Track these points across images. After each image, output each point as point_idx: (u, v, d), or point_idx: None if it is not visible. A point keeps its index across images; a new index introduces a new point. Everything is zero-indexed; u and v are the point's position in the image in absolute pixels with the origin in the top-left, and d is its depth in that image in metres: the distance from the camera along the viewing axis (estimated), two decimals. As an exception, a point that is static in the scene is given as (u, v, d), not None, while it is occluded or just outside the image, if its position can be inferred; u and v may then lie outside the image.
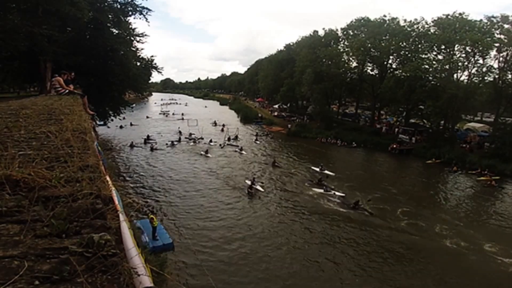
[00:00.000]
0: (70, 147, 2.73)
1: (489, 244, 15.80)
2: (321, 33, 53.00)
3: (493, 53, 35.28)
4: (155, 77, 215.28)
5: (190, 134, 44.11)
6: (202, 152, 33.94)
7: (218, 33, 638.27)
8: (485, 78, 36.28)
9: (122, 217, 1.92)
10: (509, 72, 35.61)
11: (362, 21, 47.74)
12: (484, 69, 35.69)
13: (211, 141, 40.33)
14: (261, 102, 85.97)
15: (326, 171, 27.18)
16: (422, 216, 19.28)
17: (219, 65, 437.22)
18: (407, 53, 41.57)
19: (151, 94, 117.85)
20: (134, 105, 64.32)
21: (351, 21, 49.10)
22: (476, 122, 47.53)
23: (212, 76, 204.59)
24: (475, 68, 36.13)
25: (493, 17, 35.98)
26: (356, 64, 48.43)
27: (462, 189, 26.68)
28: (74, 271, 1.14)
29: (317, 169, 27.76)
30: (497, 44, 34.51)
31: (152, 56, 28.27)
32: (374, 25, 45.12)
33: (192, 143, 39.65)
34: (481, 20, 36.41)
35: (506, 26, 34.95)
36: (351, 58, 48.47)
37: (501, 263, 14.28)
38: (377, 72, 46.85)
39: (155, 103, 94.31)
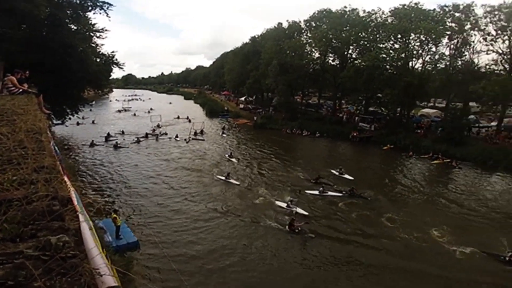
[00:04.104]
0: (24, 149, 2.62)
1: (438, 229, 16.47)
2: (285, 25, 53.69)
3: (445, 41, 37.44)
4: (116, 73, 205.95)
5: (153, 130, 43.02)
6: (169, 155, 33.18)
7: (183, 27, 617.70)
8: (438, 65, 38.79)
9: (81, 217, 1.86)
10: (459, 59, 38.17)
11: (324, 12, 48.83)
12: (437, 57, 38.09)
13: (176, 136, 39.57)
14: (227, 95, 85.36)
15: (345, 175, 25.15)
16: (378, 201, 20.22)
17: (184, 59, 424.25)
18: (366, 43, 43.09)
19: (112, 91, 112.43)
20: (93, 102, 61.07)
21: (314, 13, 50.18)
22: (430, 108, 51.07)
23: (176, 71, 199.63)
24: (429, 56, 38.47)
25: (445, 6, 38.27)
26: (319, 55, 49.64)
27: (417, 173, 28.26)
28: (30, 275, 1.10)
29: (336, 173, 25.89)
30: (448, 32, 36.59)
31: (113, 52, 27.47)
32: (336, 16, 46.33)
33: (155, 139, 38.58)
34: (434, 9, 38.60)
35: (457, 14, 37.04)
36: (313, 49, 49.61)
37: (449, 246, 14.99)
38: (338, 62, 48.27)
39: (117, 99, 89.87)
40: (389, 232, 16.31)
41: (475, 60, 37.14)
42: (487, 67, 35.72)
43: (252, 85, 59.89)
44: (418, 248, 14.79)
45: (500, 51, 33.95)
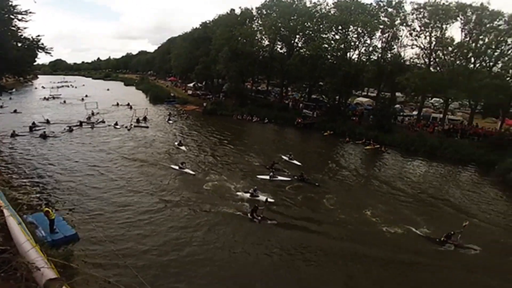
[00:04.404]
0: None
1: (373, 209, 17.83)
2: (238, 11, 52.97)
3: (378, 34, 40.49)
4: (42, 59, 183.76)
5: (89, 118, 39.75)
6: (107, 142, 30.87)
7: (124, 10, 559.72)
8: (371, 57, 42.01)
9: (7, 212, 1.70)
10: (389, 52, 41.69)
11: (274, 1, 49.18)
12: (371, 49, 41.24)
13: (116, 124, 37.04)
14: (174, 81, 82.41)
15: (294, 161, 26.31)
16: (321, 185, 21.37)
17: (125, 43, 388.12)
18: (311, 32, 44.55)
19: (37, 77, 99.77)
20: (13, 90, 53.53)
21: (265, 0, 50.19)
22: (363, 97, 55.60)
23: (115, 56, 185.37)
24: (364, 48, 41.43)
25: (380, 1, 41.26)
26: (268, 43, 50.26)
27: (353, 157, 30.09)
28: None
29: (286, 158, 26.83)
30: (381, 26, 39.61)
31: (38, 36, 24.67)
32: (285, 5, 47.01)
33: (90, 128, 35.65)
34: (371, 3, 41.87)
35: (389, 9, 40.22)
36: (263, 37, 50.01)
37: (383, 226, 16.04)
38: (285, 50, 49.38)
39: (43, 86, 79.84)
40: (330, 214, 17.38)
41: (402, 54, 41.11)
42: (411, 60, 39.82)
43: (202, 71, 58.79)
44: (357, 229, 15.68)
45: (422, 46, 37.78)
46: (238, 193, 19.01)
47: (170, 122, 41.38)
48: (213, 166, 24.43)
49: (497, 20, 32.73)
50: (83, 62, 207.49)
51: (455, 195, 21.46)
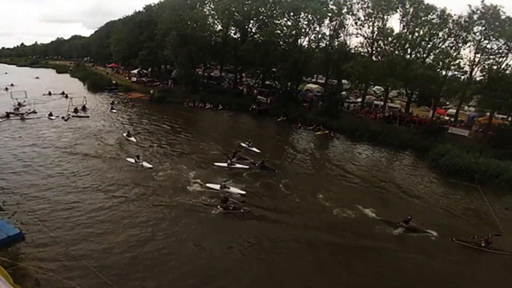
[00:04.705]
0: None
1: (325, 192, 18.61)
2: None
3: (326, 21, 41.44)
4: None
5: (17, 109, 34.94)
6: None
7: None
8: (320, 44, 43.15)
9: None
10: (336, 40, 43.01)
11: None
12: (320, 36, 42.24)
13: (51, 114, 33.28)
14: (114, 67, 76.22)
15: (253, 148, 26.16)
16: (278, 170, 21.68)
17: (55, 27, 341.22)
18: (264, 18, 44.13)
19: None
20: None
21: (218, -16, 48.13)
22: (313, 83, 57.40)
23: (44, 41, 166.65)
24: (313, 35, 42.29)
25: (329, -12, 41.86)
26: (221, 28, 48.74)
27: (305, 143, 31.13)
28: None
29: (245, 145, 26.46)
30: (330, 14, 40.59)
31: None
32: (238, -11, 45.58)
33: (20, 119, 31.52)
34: (322, -9, 41.85)
35: None
36: (216, 22, 48.31)
37: (335, 209, 16.76)
38: (239, 35, 48.39)
39: None
40: (287, 199, 17.83)
41: (348, 42, 42.75)
42: (356, 49, 41.55)
43: (147, 57, 55.21)
44: (312, 215, 16.10)
45: (366, 35, 39.81)
46: (208, 184, 18.20)
47: (114, 111, 38.26)
48: (167, 156, 23.27)
49: (431, 13, 35.31)
50: (3, 48, 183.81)
51: (398, 178, 22.92)
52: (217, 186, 17.92)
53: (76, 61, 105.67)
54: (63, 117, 32.94)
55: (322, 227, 15.02)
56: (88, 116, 34.65)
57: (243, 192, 17.73)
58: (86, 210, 14.76)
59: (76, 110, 35.48)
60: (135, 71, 62.76)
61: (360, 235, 14.56)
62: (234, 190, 17.73)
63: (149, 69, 63.91)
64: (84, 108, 37.20)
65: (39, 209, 14.48)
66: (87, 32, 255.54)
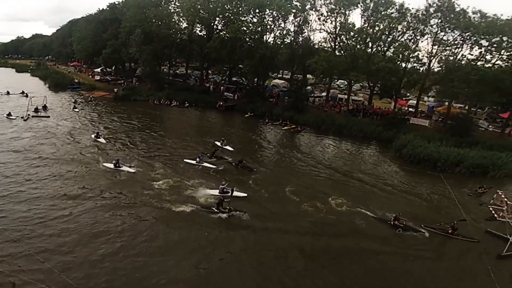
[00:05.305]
0: None
1: (292, 186, 18.97)
2: None
3: (291, 18, 42.16)
4: None
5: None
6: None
7: None
8: (285, 40, 43.78)
9: None
10: (300, 36, 43.86)
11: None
12: (284, 32, 42.94)
13: (9, 114, 32.01)
14: (77, 66, 73.85)
15: (227, 147, 26.10)
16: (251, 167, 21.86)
17: (15, 26, 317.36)
18: (230, 15, 44.31)
19: None
20: None
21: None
22: (279, 79, 58.34)
23: (3, 40, 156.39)
24: (278, 31, 42.90)
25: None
26: (186, 25, 48.36)
27: (273, 138, 31.70)
28: None
29: (219, 144, 26.34)
30: (294, 10, 41.31)
31: None
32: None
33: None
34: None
35: None
36: (181, 19, 47.85)
37: (302, 203, 17.06)
38: (205, 33, 48.26)
39: None
40: (256, 190, 18.34)
41: (312, 37, 43.87)
42: (319, 44, 42.78)
43: (111, 55, 53.57)
44: (283, 210, 16.43)
45: (329, 31, 40.82)
46: (208, 190, 17.79)
47: (76, 110, 37.25)
48: (135, 155, 23.05)
49: (390, 8, 36.69)
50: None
51: (364, 169, 23.65)
52: (216, 192, 17.49)
53: (37, 60, 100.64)
54: (22, 117, 31.75)
55: (292, 222, 15.32)
56: (49, 116, 33.50)
57: (244, 195, 17.52)
58: (47, 219, 14.21)
59: (36, 110, 34.25)
60: (99, 69, 60.89)
61: (326, 225, 15.18)
62: (235, 193, 16.74)
63: (113, 67, 62.27)
64: (45, 108, 36.00)
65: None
66: (48, 31, 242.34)
